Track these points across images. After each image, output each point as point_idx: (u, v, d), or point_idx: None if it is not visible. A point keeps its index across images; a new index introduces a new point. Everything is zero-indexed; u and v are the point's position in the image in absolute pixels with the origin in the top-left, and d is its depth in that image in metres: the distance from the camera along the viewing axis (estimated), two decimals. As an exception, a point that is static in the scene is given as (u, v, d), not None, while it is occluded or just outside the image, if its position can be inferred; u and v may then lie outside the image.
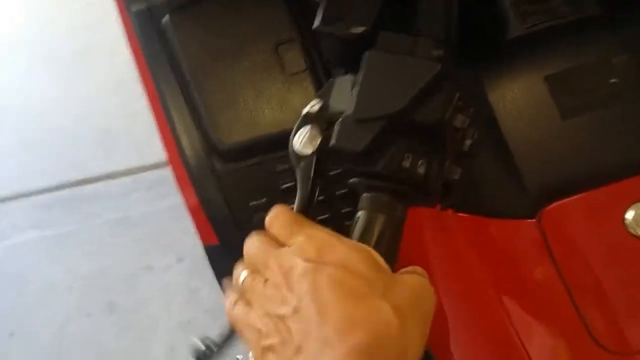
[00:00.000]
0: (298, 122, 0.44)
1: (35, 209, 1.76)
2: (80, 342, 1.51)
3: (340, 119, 0.40)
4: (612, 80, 0.46)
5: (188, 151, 0.66)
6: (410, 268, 0.38)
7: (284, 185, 0.61)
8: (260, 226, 0.63)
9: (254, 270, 0.38)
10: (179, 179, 0.68)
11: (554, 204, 0.46)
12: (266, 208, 0.66)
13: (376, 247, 0.39)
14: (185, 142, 0.66)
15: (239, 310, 0.37)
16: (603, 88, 0.47)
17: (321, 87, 0.65)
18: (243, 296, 0.38)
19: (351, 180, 0.42)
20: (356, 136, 0.39)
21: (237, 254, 0.67)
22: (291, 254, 0.36)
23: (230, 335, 0.45)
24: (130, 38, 0.70)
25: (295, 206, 0.43)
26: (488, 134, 0.47)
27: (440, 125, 0.39)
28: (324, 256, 0.34)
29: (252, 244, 0.40)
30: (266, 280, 0.36)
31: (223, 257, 0.69)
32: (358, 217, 0.40)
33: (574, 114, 0.46)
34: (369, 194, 0.40)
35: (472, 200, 0.48)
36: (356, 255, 0.35)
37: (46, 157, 1.83)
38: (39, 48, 1.92)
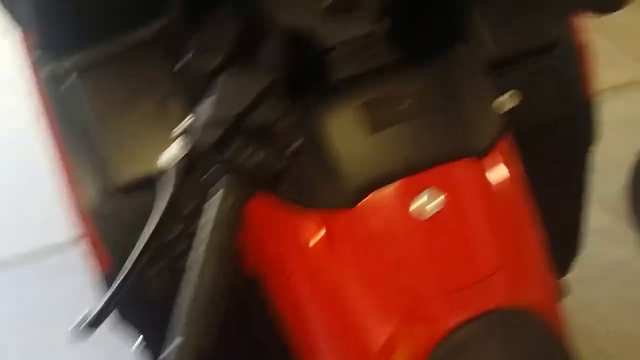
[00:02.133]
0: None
1: None
2: None
3: (199, 124, 0.55)
4: (407, 104, 0.64)
5: (88, 188, 0.78)
6: None
7: None
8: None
9: None
10: (78, 215, 0.80)
11: (366, 197, 0.62)
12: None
13: (228, 217, 0.53)
14: (85, 181, 0.78)
15: None
16: (401, 110, 0.64)
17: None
18: None
19: (210, 171, 0.56)
20: (210, 133, 0.54)
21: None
22: None
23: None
24: (39, 97, 0.83)
25: (153, 216, 0.56)
26: (317, 145, 0.63)
27: (270, 125, 0.55)
28: None
29: None
30: None
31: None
32: (214, 198, 0.55)
33: (380, 129, 0.63)
34: (223, 178, 0.55)
35: (307, 197, 0.63)
36: None
37: None
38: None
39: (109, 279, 0.81)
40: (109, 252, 0.79)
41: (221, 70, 0.60)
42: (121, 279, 0.59)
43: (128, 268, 0.58)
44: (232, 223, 0.54)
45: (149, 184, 0.77)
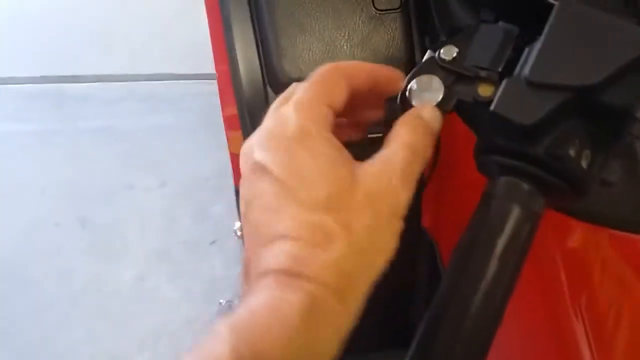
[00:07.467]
0: (419, 66, 0.36)
1: (19, 97, 1.63)
2: (43, 253, 1.41)
3: (508, 80, 0.31)
4: None
5: (244, 76, 0.56)
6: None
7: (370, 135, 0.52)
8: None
9: None
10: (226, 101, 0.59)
11: None
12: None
13: (508, 248, 0.31)
14: (242, 64, 0.56)
15: None
16: None
17: (411, 32, 0.57)
18: None
19: (481, 157, 0.33)
20: (528, 105, 0.30)
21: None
22: None
23: None
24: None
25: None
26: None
27: (628, 113, 0.31)
28: None
29: None
30: None
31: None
32: (483, 207, 0.32)
33: None
34: (504, 178, 0.32)
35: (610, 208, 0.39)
36: None
37: (36, 45, 1.69)
38: None
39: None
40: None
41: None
42: None
43: None
44: (524, 250, 0.32)
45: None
